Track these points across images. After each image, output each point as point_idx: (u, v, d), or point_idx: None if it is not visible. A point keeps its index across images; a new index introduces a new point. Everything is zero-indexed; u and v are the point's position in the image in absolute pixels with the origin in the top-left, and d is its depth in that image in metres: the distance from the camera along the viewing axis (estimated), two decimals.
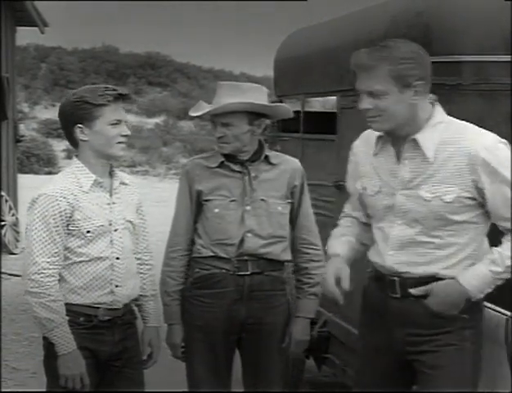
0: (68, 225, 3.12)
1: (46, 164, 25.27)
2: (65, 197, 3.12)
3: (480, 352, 2.95)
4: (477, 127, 2.91)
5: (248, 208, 3.48)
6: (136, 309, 3.39)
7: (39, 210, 3.11)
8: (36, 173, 23.30)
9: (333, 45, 4.86)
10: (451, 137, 2.85)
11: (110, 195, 3.23)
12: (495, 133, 2.90)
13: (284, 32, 6.11)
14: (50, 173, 21.92)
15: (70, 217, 3.12)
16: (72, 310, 3.13)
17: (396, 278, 2.95)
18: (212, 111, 3.46)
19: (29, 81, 34.20)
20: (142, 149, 27.31)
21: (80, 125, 3.15)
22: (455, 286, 2.84)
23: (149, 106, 33.82)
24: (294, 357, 4.40)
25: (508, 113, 3.69)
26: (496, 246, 2.89)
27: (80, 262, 3.14)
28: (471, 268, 2.86)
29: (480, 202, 2.86)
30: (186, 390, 3.64)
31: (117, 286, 3.19)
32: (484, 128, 2.93)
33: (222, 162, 3.51)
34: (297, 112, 5.05)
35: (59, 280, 3.12)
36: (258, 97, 3.47)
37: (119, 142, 3.18)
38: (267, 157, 3.54)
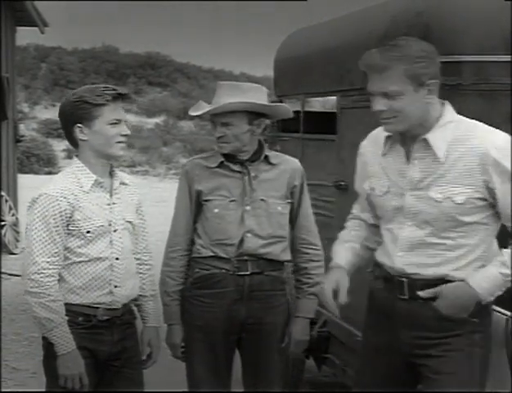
0: (68, 225, 3.12)
1: (46, 164, 25.28)
2: (65, 197, 3.11)
3: (488, 357, 2.90)
4: (486, 125, 2.85)
5: (247, 208, 3.47)
6: (135, 309, 3.39)
7: (39, 209, 3.10)
8: (36, 173, 23.30)
9: (333, 45, 4.86)
10: (461, 136, 2.81)
11: (111, 195, 3.23)
12: None
13: (284, 32, 6.11)
14: (50, 173, 21.92)
15: (70, 217, 3.11)
16: (71, 310, 3.13)
17: (404, 279, 2.89)
18: (212, 111, 3.46)
19: (29, 81, 34.22)
20: (142, 149, 27.32)
21: (80, 125, 3.15)
22: (465, 289, 2.78)
23: (149, 106, 33.83)
24: (293, 357, 4.40)
25: (508, 113, 3.68)
26: (504, 247, 2.84)
27: (80, 262, 3.14)
28: (481, 271, 2.81)
29: (491, 203, 2.81)
30: (186, 390, 3.64)
31: (116, 286, 3.19)
32: None
33: (222, 162, 3.51)
34: (297, 112, 5.04)
35: (58, 280, 3.12)
36: (258, 96, 3.46)
37: (119, 142, 3.18)
38: (266, 157, 3.54)
